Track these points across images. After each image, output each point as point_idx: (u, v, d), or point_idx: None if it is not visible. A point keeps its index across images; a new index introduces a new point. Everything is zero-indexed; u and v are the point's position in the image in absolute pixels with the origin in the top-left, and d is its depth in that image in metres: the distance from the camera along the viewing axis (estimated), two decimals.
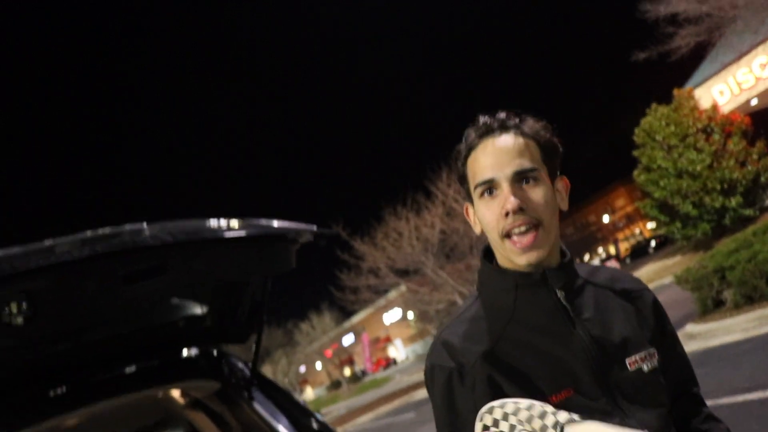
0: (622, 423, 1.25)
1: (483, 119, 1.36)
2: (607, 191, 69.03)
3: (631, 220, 66.11)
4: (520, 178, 1.29)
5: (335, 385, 62.42)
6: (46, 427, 2.57)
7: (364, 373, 61.95)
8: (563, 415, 1.13)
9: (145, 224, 2.00)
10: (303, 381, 71.25)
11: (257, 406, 2.85)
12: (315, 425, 2.91)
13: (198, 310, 2.70)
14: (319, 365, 68.39)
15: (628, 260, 44.23)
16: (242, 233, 2.10)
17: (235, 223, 2.10)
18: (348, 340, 66.00)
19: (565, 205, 1.39)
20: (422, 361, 43.03)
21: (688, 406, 1.46)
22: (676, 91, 21.59)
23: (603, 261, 44.58)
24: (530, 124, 1.34)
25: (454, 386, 1.31)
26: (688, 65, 21.21)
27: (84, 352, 2.61)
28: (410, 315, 46.73)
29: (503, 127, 1.33)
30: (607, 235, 70.33)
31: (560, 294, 1.33)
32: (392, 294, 43.24)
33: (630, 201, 59.11)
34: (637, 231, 65.03)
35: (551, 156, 1.36)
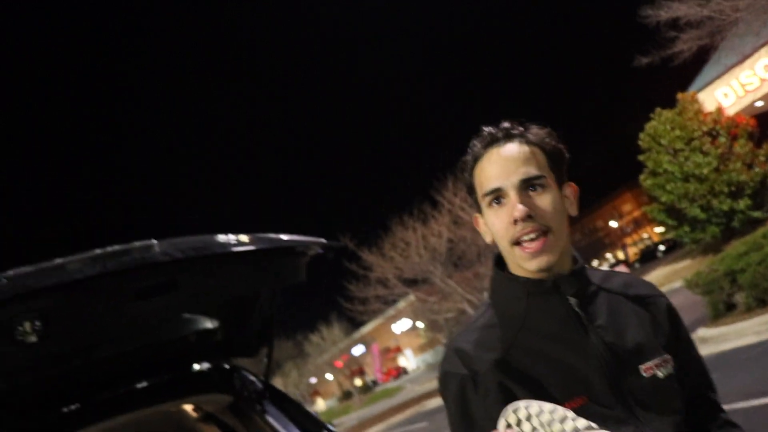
0: (638, 431, 1.25)
1: (487, 129, 1.37)
2: (613, 196, 68.91)
3: (638, 224, 65.89)
4: (526, 186, 1.30)
5: (346, 395, 62.23)
6: None
7: (375, 383, 61.81)
8: (582, 422, 1.13)
9: (154, 240, 2.02)
10: (314, 392, 71.02)
11: (270, 419, 2.85)
12: None
13: (208, 324, 2.71)
14: (329, 376, 68.24)
15: (636, 265, 44.03)
16: (251, 248, 2.11)
17: (244, 237, 2.12)
18: (358, 350, 65.82)
19: (574, 211, 1.40)
20: (433, 371, 42.88)
21: (706, 411, 1.45)
22: (679, 95, 21.56)
23: (612, 266, 44.41)
24: (535, 131, 1.35)
25: (468, 393, 1.31)
26: (691, 69, 21.18)
27: (96, 369, 2.62)
28: (420, 324, 46.60)
29: (508, 136, 1.34)
30: (615, 241, 70.16)
31: (573, 301, 1.33)
32: (401, 304, 43.15)
33: (637, 206, 58.95)
34: (645, 235, 64.82)
35: (557, 162, 1.36)
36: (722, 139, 20.28)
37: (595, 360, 1.29)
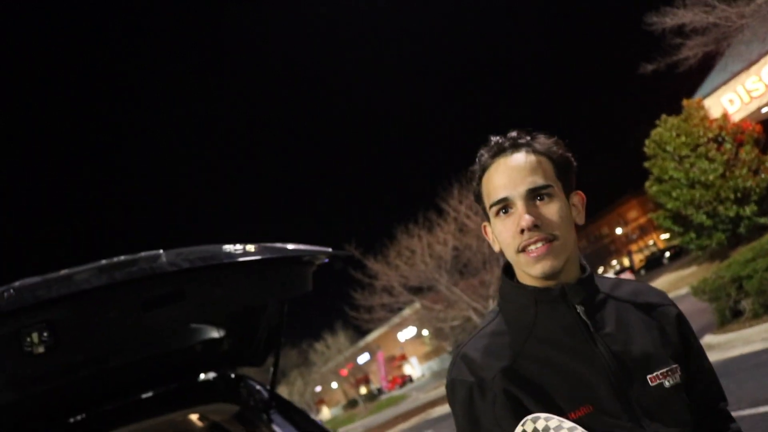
0: None
1: (494, 139, 1.38)
2: (619, 203, 68.74)
3: (644, 231, 65.74)
4: (533, 196, 1.31)
5: (352, 404, 62.04)
6: None
7: (380, 391, 61.60)
8: None
9: (161, 251, 2.03)
10: (319, 401, 70.87)
11: (276, 428, 2.85)
12: None
13: (215, 334, 2.71)
14: (335, 384, 68.11)
15: (642, 272, 43.89)
16: (258, 257, 2.12)
17: (251, 247, 2.12)
18: (363, 358, 65.70)
19: (581, 220, 1.40)
20: (438, 378, 42.79)
21: (716, 422, 1.44)
22: (685, 102, 21.52)
23: (617, 273, 44.22)
24: (542, 140, 1.36)
25: (475, 400, 1.31)
26: (697, 76, 21.14)
27: (104, 379, 2.62)
28: (425, 332, 46.50)
29: (515, 146, 1.34)
30: (620, 247, 69.94)
31: (580, 309, 1.33)
32: (406, 312, 43.05)
33: (643, 212, 58.84)
34: (650, 242, 64.63)
35: (565, 171, 1.37)
36: (728, 146, 20.22)
37: (601, 368, 1.29)
